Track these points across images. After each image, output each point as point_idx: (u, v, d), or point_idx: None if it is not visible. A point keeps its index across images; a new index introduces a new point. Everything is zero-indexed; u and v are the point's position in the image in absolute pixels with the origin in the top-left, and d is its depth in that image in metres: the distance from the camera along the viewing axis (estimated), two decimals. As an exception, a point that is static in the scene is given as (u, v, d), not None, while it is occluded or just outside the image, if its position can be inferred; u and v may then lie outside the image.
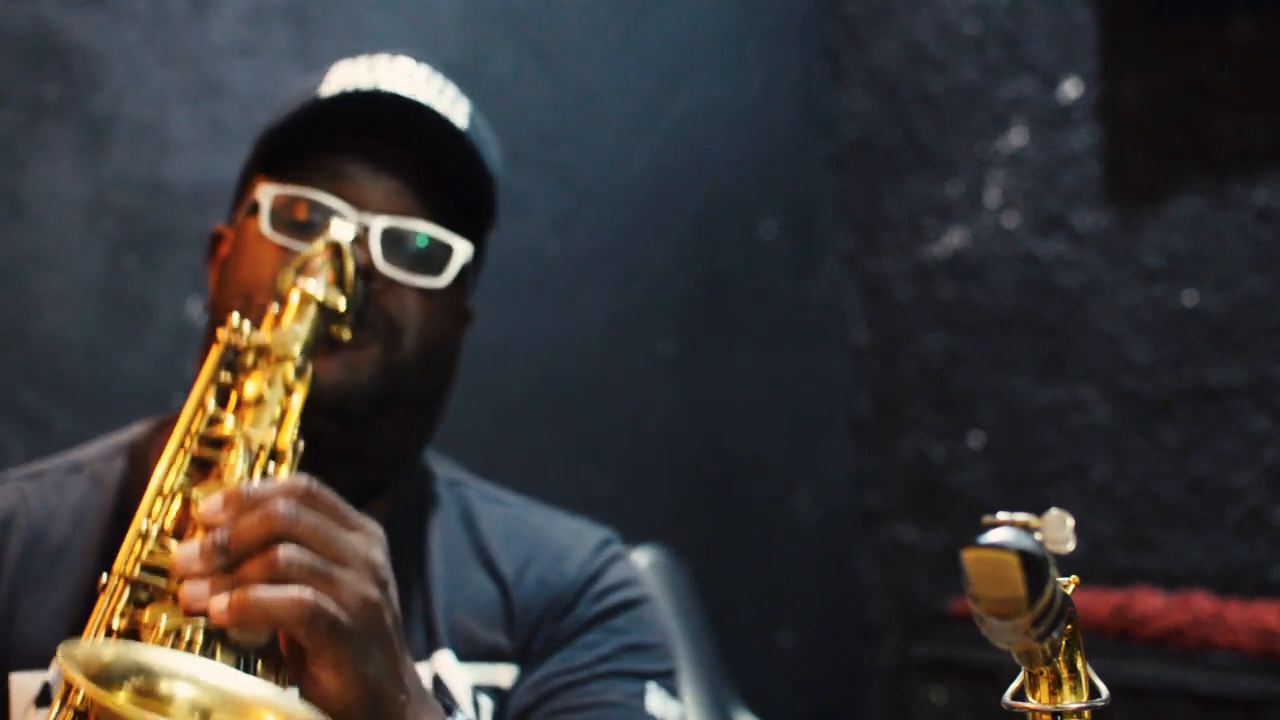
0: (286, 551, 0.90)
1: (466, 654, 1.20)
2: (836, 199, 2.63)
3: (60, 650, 0.81)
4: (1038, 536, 0.65)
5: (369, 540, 0.96)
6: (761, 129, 2.55)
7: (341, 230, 1.12)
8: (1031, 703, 0.73)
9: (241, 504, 0.92)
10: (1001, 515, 0.66)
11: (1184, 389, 2.10)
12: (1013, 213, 2.35)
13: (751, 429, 2.50)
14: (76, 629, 1.08)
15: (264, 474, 1.01)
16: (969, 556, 0.64)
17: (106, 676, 0.81)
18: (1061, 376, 2.26)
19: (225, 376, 1.06)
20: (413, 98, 1.19)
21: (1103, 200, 2.21)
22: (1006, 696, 0.75)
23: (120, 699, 0.80)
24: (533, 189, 2.28)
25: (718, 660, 2.08)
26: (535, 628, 1.22)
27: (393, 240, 1.16)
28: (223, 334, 1.07)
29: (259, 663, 0.92)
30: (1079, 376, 2.23)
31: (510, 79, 2.27)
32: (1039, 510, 0.66)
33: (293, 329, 1.07)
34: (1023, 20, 2.34)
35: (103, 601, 0.94)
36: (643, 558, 2.03)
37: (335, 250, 1.11)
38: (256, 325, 1.10)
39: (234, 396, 1.05)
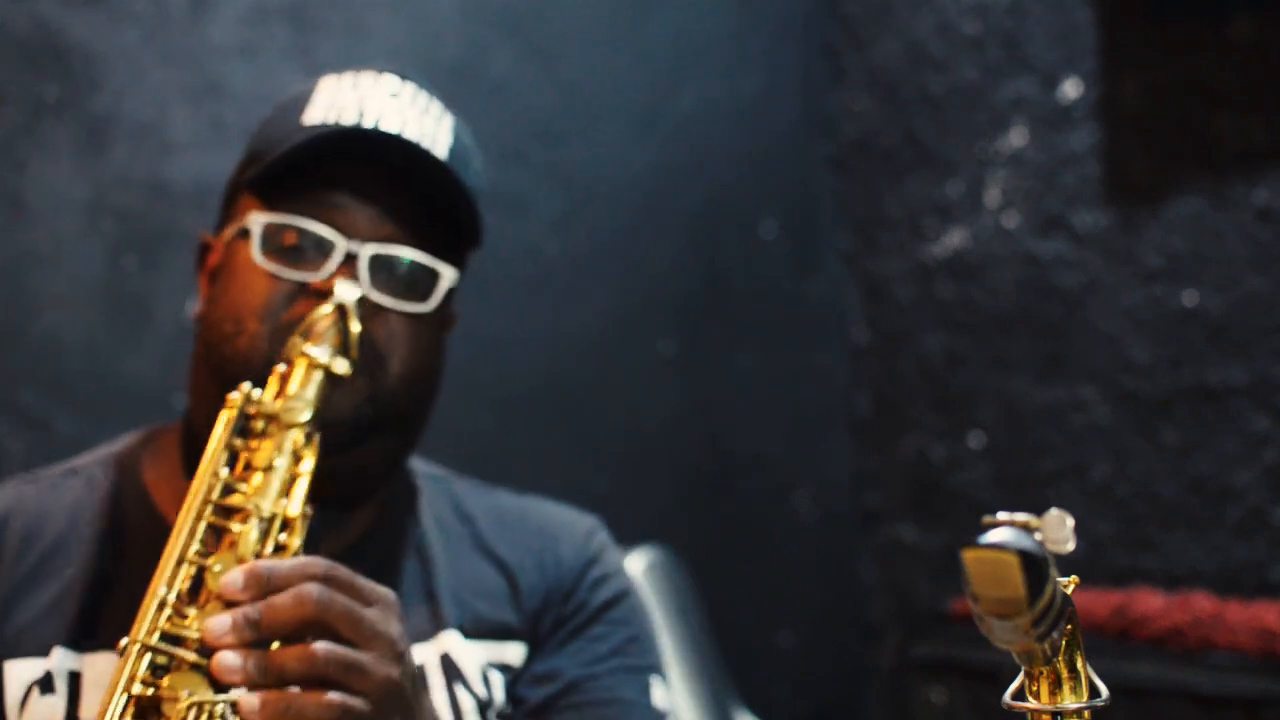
0: (322, 647, 0.95)
1: (474, 632, 1.24)
2: (836, 199, 2.63)
3: None
4: (1038, 536, 0.65)
5: (387, 614, 1.00)
6: (761, 129, 2.55)
7: (347, 292, 1.15)
8: (1031, 703, 0.73)
9: (263, 584, 0.96)
10: (1001, 515, 0.66)
11: (1184, 389, 2.10)
12: (1013, 213, 2.35)
13: (751, 429, 2.50)
14: (69, 621, 1.14)
15: (276, 544, 1.05)
16: (969, 556, 0.64)
17: None
18: (1061, 376, 2.26)
19: (237, 442, 1.09)
20: (396, 134, 1.21)
21: (1103, 200, 2.21)
22: (1006, 696, 0.75)
23: None
24: (533, 189, 2.28)
25: (718, 660, 2.08)
26: (541, 609, 1.27)
27: (380, 266, 1.19)
28: (234, 401, 1.10)
29: None
30: (1079, 376, 2.23)
31: (510, 79, 2.27)
32: (1039, 510, 0.66)
33: (301, 396, 1.10)
34: (1023, 20, 2.34)
35: (122, 666, 0.97)
36: (643, 558, 2.03)
37: (340, 312, 1.14)
38: (253, 363, 1.15)
39: (243, 460, 1.09)
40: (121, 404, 1.91)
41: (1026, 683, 0.74)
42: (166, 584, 1.00)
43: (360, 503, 1.25)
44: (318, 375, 1.11)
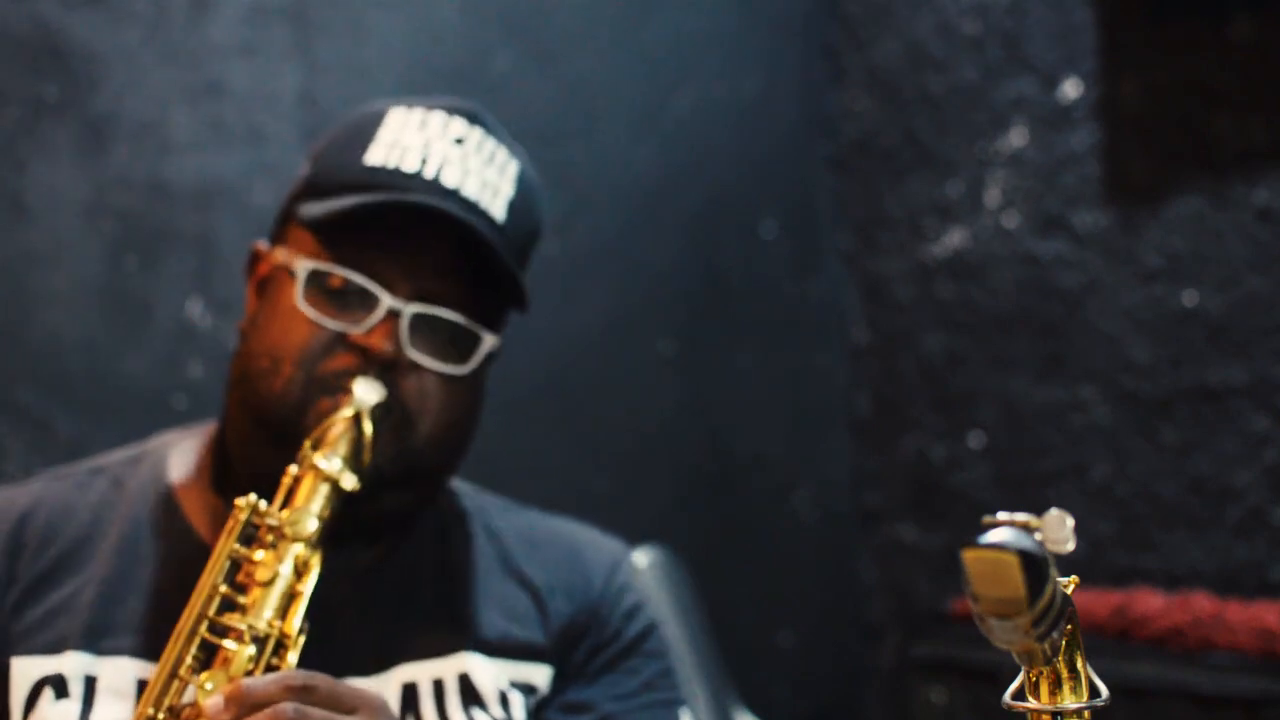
0: None
1: (498, 652, 1.23)
2: (836, 199, 2.63)
3: None
4: (1038, 536, 0.65)
5: (374, 717, 1.01)
6: (761, 129, 2.55)
7: (366, 395, 1.14)
8: (1031, 703, 0.73)
9: (242, 702, 0.96)
10: (1001, 515, 0.66)
11: (1184, 389, 2.10)
12: (1013, 213, 2.35)
13: (751, 429, 2.50)
14: (83, 621, 1.14)
15: (269, 665, 1.05)
16: (969, 556, 0.64)
17: None
18: (1061, 376, 2.26)
19: (240, 550, 1.09)
20: (454, 189, 1.19)
21: (1103, 200, 2.21)
22: (1006, 696, 0.75)
23: None
24: (533, 189, 2.28)
25: (718, 660, 2.08)
26: (570, 633, 1.26)
27: (421, 325, 1.19)
28: (240, 509, 1.10)
29: None
30: (1079, 376, 2.23)
31: (510, 79, 2.27)
32: (1039, 510, 0.66)
33: (308, 509, 1.10)
34: (1023, 20, 2.34)
35: None
36: (643, 558, 2.03)
37: (356, 420, 1.13)
38: (286, 405, 1.15)
39: (245, 570, 1.09)
40: (121, 404, 1.91)
41: (1026, 683, 0.74)
42: (154, 703, 1.02)
43: (377, 544, 1.25)
44: (325, 488, 1.11)
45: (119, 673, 1.13)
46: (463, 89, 2.23)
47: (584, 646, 1.26)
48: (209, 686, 1.01)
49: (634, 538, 2.09)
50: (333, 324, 1.17)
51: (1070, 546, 0.65)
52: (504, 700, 1.20)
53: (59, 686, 1.12)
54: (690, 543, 2.21)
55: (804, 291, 2.59)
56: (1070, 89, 2.26)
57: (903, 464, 2.51)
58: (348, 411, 1.13)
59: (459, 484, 1.35)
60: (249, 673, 1.03)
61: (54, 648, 1.13)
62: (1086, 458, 2.21)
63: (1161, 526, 2.12)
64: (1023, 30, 2.33)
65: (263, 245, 1.30)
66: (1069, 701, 0.73)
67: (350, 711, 1.00)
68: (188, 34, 2.00)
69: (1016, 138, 2.34)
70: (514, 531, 1.33)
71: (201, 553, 1.11)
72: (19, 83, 1.89)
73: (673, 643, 1.59)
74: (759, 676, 2.37)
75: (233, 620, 1.05)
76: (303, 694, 0.98)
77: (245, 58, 2.04)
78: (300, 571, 1.08)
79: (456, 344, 1.21)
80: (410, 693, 1.19)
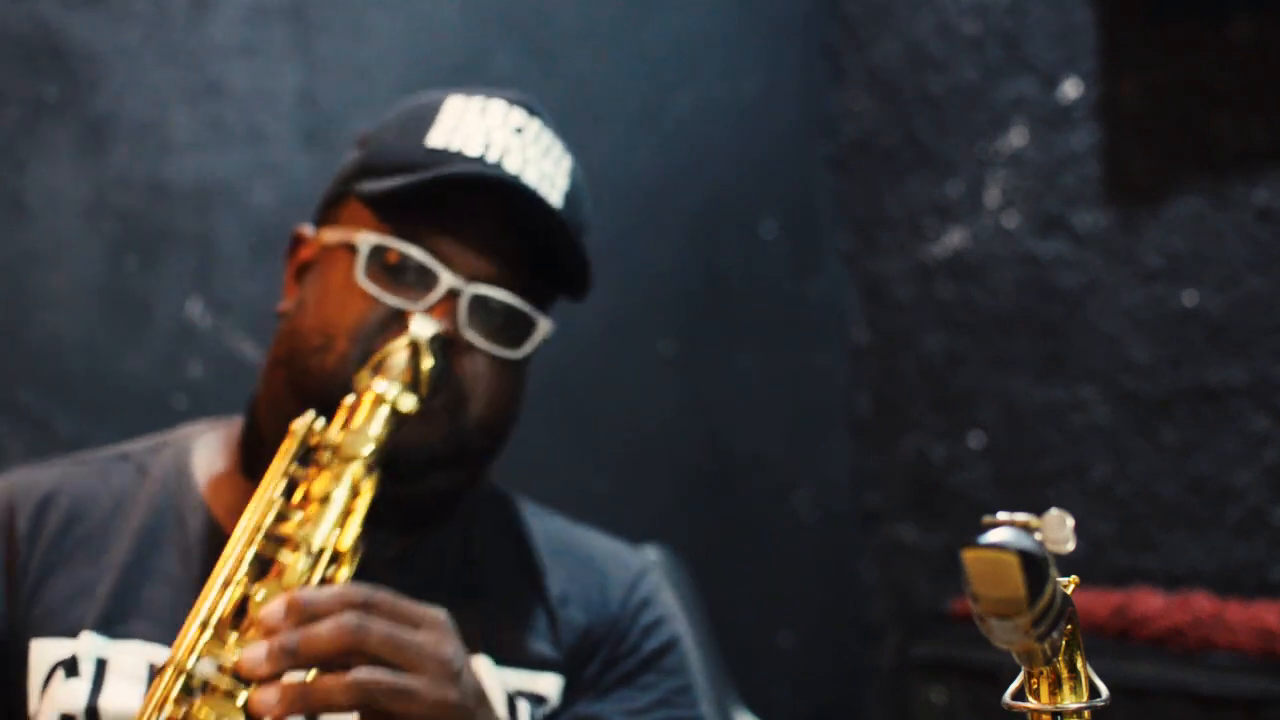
0: (364, 673, 0.93)
1: (507, 659, 1.21)
2: (836, 199, 2.63)
3: None
4: (1038, 536, 0.65)
5: (438, 636, 0.99)
6: (761, 129, 2.55)
7: (423, 328, 1.13)
8: (1031, 703, 0.73)
9: (302, 613, 0.95)
10: (1001, 515, 0.66)
11: (1184, 389, 2.10)
12: (1013, 213, 2.35)
13: (751, 429, 2.50)
14: (101, 605, 1.13)
15: (324, 578, 1.03)
16: (969, 556, 0.64)
17: None
18: (1061, 376, 2.26)
19: (296, 470, 1.09)
20: (515, 176, 1.19)
21: (1103, 200, 2.21)
22: (1006, 696, 0.75)
23: None
24: (533, 189, 2.28)
25: (718, 660, 2.08)
26: (584, 645, 1.24)
27: (479, 307, 1.18)
28: (297, 429, 1.10)
29: None
30: (1079, 376, 2.23)
31: (510, 79, 2.27)
32: (1039, 510, 0.66)
33: (365, 431, 1.08)
34: (1023, 20, 2.34)
35: (156, 686, 0.97)
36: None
37: (414, 349, 1.12)
38: (337, 382, 1.14)
39: (301, 489, 1.08)
40: (121, 404, 1.91)
41: (1026, 683, 0.74)
42: (209, 608, 1.00)
43: (416, 530, 1.24)
44: (384, 410, 1.10)
45: (131, 656, 1.12)
46: (462, 89, 2.23)
47: (598, 659, 1.25)
48: (261, 596, 1.00)
49: (634, 538, 2.09)
50: (392, 299, 1.16)
51: (1070, 546, 0.65)
52: (512, 707, 1.19)
53: (70, 667, 1.11)
54: (690, 543, 2.21)
55: (804, 291, 2.59)
56: (1070, 89, 2.26)
57: (903, 464, 2.51)
58: (405, 340, 1.12)
59: (491, 484, 1.34)
60: (304, 585, 1.01)
61: (70, 631, 1.13)
62: (1086, 458, 2.21)
63: (1161, 526, 2.12)
64: (1023, 30, 2.33)
65: (306, 229, 1.29)
66: (1069, 701, 0.73)
67: (414, 627, 0.98)
68: (188, 34, 2.00)
69: (1016, 138, 2.34)
70: (537, 536, 1.31)
71: (223, 542, 1.09)
72: (19, 83, 1.89)
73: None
74: (759, 676, 2.37)
75: (288, 530, 1.04)
76: (365, 608, 0.96)
77: (245, 58, 2.04)
78: (356, 491, 1.07)
79: (511, 328, 1.21)
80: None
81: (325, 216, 1.26)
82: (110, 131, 1.94)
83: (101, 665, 1.12)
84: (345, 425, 1.10)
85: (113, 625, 1.13)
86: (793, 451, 2.54)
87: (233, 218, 2.01)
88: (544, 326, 1.24)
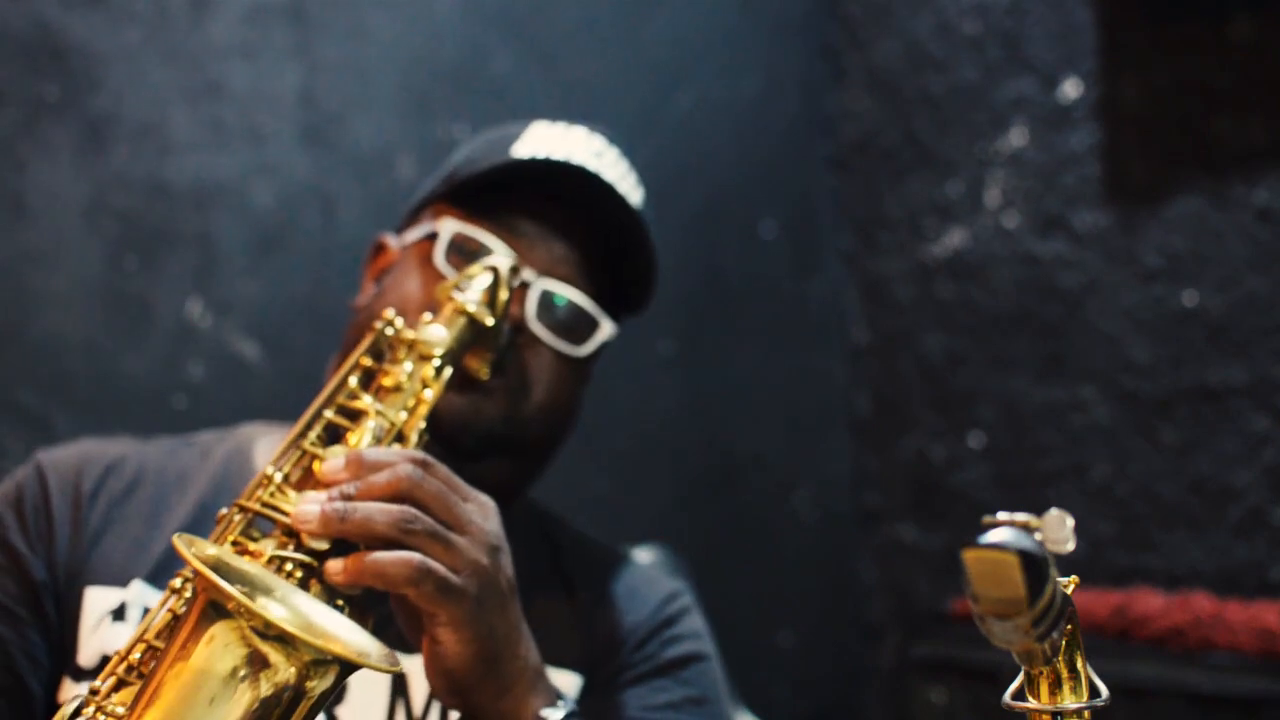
0: (410, 510, 0.97)
1: None
2: (836, 199, 2.63)
3: (177, 538, 0.89)
4: (1038, 536, 0.65)
5: (484, 511, 1.04)
6: (761, 129, 2.55)
7: (503, 259, 1.18)
8: (1031, 703, 0.74)
9: (363, 466, 1.00)
10: (1001, 515, 0.66)
11: (1184, 389, 2.10)
12: (1013, 213, 2.35)
13: (751, 429, 2.50)
14: (153, 557, 1.20)
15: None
16: (969, 556, 0.64)
17: (214, 570, 0.88)
18: (1061, 376, 2.26)
19: (371, 363, 1.14)
20: (596, 174, 1.27)
21: (1103, 200, 2.21)
22: (1006, 696, 0.75)
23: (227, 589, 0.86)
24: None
25: (717, 660, 2.07)
26: (608, 649, 1.27)
27: (548, 302, 1.25)
28: (377, 324, 1.15)
29: (345, 607, 0.99)
30: (1079, 376, 2.23)
31: (510, 79, 2.27)
32: (1039, 510, 0.66)
33: (440, 330, 1.14)
34: (1023, 20, 2.34)
35: (219, 527, 1.02)
36: (642, 558, 2.02)
37: (494, 275, 1.17)
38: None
39: (376, 380, 1.13)
40: (121, 404, 1.91)
41: (1026, 683, 0.74)
42: (276, 465, 1.05)
43: None
44: (461, 320, 1.14)
45: None
46: (463, 89, 2.23)
47: (617, 661, 1.27)
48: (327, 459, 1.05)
49: (634, 538, 2.09)
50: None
51: (1070, 546, 0.65)
52: None
53: (119, 613, 1.17)
54: (690, 543, 2.21)
55: (804, 291, 2.59)
56: (1070, 89, 2.26)
57: (903, 464, 2.51)
58: (487, 264, 1.17)
59: (539, 503, 1.38)
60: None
61: (122, 580, 1.18)
62: (1086, 458, 2.21)
63: (1161, 526, 2.12)
64: (1023, 30, 2.33)
65: (388, 237, 1.36)
66: (1069, 701, 0.73)
67: (464, 499, 1.02)
68: (188, 34, 2.00)
69: (1016, 138, 2.34)
70: (576, 553, 1.34)
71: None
72: (19, 83, 1.88)
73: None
74: (759, 676, 2.37)
75: (359, 405, 1.09)
76: (422, 466, 1.01)
77: (245, 58, 2.04)
78: (426, 385, 1.12)
79: (577, 326, 1.27)
80: None
81: (408, 223, 1.33)
82: (110, 131, 1.94)
83: (147, 613, 1.14)
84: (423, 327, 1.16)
85: (162, 578, 1.17)
86: (793, 451, 2.54)
87: (233, 218, 2.01)
88: (607, 329, 1.30)
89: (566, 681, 1.24)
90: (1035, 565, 0.63)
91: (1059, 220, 2.27)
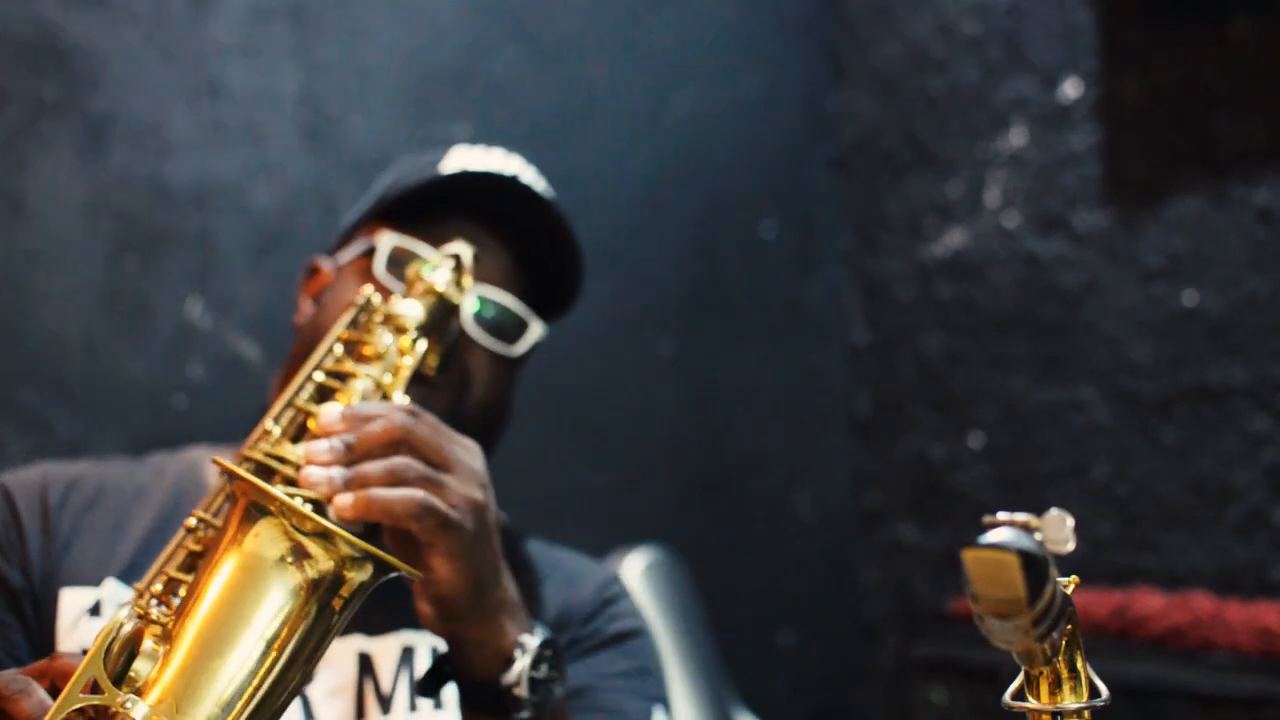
0: (404, 459, 1.07)
1: None
2: (836, 199, 2.63)
3: (214, 458, 1.01)
4: (1038, 536, 0.65)
5: (471, 452, 1.13)
6: (762, 129, 2.55)
7: (464, 247, 1.27)
8: (1031, 703, 0.74)
9: (358, 418, 1.09)
10: (1001, 515, 0.66)
11: (1184, 389, 2.10)
12: (1013, 213, 2.35)
13: (751, 429, 2.50)
14: (123, 557, 1.28)
15: None
16: (969, 556, 0.64)
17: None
18: (1061, 376, 2.26)
19: (352, 334, 1.22)
20: (516, 176, 1.39)
21: (1103, 200, 2.21)
22: (1006, 696, 0.75)
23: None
24: (533, 189, 2.28)
25: (718, 660, 2.08)
26: (554, 628, 1.33)
27: (483, 306, 1.36)
28: (357, 299, 1.23)
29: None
30: (1079, 376, 2.23)
31: (510, 79, 2.27)
32: (1039, 510, 0.66)
33: (415, 304, 1.22)
34: (1023, 20, 2.34)
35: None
36: (643, 558, 2.02)
37: (456, 260, 1.26)
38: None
39: (358, 350, 1.21)
40: (121, 404, 1.91)
41: (1026, 683, 0.74)
42: (274, 420, 1.14)
43: None
44: (432, 299, 1.23)
45: None
46: (463, 89, 2.23)
47: (565, 636, 1.34)
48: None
49: (634, 538, 2.09)
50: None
51: (1070, 546, 0.65)
52: None
53: (95, 610, 1.24)
54: (690, 543, 2.21)
55: (804, 292, 2.59)
56: (1070, 89, 2.26)
57: (903, 464, 2.51)
58: (451, 251, 1.26)
59: None
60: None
61: (95, 580, 1.25)
62: (1086, 458, 2.21)
63: (1161, 526, 2.12)
64: (1023, 30, 2.33)
65: (320, 259, 1.46)
66: (1069, 701, 0.73)
67: (452, 441, 1.11)
68: (188, 34, 2.00)
69: (1016, 138, 2.34)
70: (511, 537, 1.39)
71: None
72: (19, 83, 1.88)
73: (672, 639, 1.66)
74: (759, 676, 2.37)
75: (346, 367, 1.18)
76: (413, 415, 1.10)
77: (245, 58, 2.04)
78: (404, 353, 1.20)
79: (510, 329, 1.38)
80: (408, 655, 1.29)
81: (339, 246, 1.43)
82: (110, 131, 1.94)
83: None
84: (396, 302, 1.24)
85: (133, 575, 1.25)
86: (793, 451, 2.54)
87: (233, 218, 2.01)
88: (538, 329, 1.40)
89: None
90: (1035, 565, 0.63)
91: (1059, 220, 2.28)
